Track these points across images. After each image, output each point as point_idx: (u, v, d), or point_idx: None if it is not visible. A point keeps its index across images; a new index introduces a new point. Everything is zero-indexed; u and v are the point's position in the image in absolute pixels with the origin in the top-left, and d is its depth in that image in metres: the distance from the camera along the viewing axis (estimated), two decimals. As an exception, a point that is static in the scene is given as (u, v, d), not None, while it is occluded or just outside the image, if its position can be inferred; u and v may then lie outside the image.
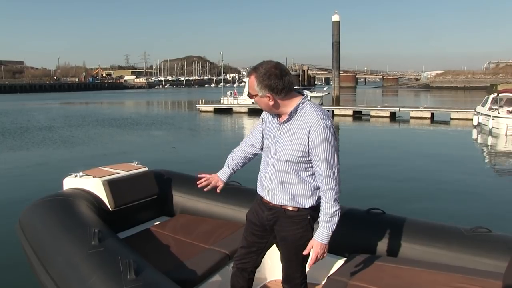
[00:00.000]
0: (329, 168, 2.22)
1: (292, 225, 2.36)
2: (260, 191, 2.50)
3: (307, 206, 2.34)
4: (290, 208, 2.35)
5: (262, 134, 2.54)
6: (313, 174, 2.31)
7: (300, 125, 2.24)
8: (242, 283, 2.61)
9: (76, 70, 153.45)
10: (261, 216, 2.48)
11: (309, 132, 2.20)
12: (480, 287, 2.46)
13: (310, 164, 2.28)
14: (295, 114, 2.26)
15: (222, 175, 2.69)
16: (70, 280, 2.39)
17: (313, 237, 2.31)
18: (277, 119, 2.35)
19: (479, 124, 21.25)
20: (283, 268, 2.50)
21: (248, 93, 2.34)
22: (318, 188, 2.33)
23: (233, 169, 2.68)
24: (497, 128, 19.01)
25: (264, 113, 2.53)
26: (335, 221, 2.28)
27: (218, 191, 2.71)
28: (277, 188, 2.35)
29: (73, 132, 20.62)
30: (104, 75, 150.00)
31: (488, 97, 21.92)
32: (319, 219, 2.32)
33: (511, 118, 18.39)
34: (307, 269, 2.48)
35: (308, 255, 2.35)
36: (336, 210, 2.27)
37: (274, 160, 2.35)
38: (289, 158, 2.27)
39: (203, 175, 2.70)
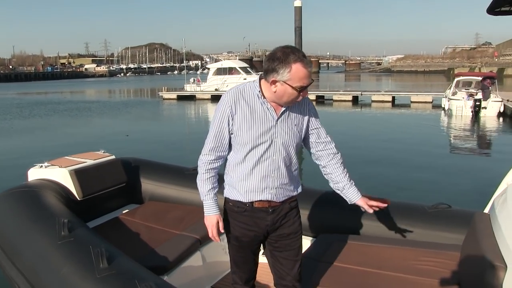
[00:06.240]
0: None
1: (296, 214, 2.33)
2: (258, 196, 2.21)
3: (299, 189, 2.36)
4: (293, 199, 2.32)
5: (229, 136, 2.21)
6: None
7: (301, 106, 2.24)
8: None
9: (33, 58, 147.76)
10: (263, 225, 2.25)
11: (309, 106, 2.28)
12: (441, 260, 2.60)
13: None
14: None
15: (216, 211, 2.30)
16: (41, 272, 2.37)
17: (360, 196, 2.39)
18: (271, 113, 2.15)
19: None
20: (294, 268, 2.31)
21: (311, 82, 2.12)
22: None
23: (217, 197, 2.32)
24: (450, 110, 20.01)
25: (230, 112, 2.16)
26: None
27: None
28: (286, 181, 2.24)
29: (31, 122, 19.99)
30: (65, 63, 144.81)
31: (459, 80, 22.39)
32: (346, 180, 2.38)
33: (460, 100, 19.35)
34: None
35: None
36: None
37: (277, 154, 2.19)
38: (299, 141, 2.26)
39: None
